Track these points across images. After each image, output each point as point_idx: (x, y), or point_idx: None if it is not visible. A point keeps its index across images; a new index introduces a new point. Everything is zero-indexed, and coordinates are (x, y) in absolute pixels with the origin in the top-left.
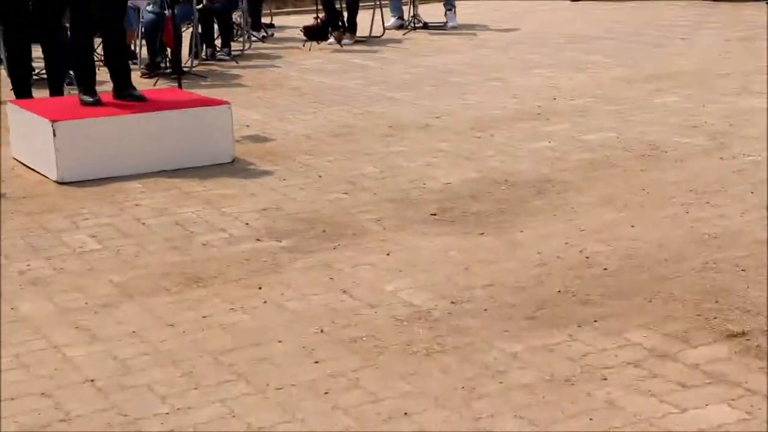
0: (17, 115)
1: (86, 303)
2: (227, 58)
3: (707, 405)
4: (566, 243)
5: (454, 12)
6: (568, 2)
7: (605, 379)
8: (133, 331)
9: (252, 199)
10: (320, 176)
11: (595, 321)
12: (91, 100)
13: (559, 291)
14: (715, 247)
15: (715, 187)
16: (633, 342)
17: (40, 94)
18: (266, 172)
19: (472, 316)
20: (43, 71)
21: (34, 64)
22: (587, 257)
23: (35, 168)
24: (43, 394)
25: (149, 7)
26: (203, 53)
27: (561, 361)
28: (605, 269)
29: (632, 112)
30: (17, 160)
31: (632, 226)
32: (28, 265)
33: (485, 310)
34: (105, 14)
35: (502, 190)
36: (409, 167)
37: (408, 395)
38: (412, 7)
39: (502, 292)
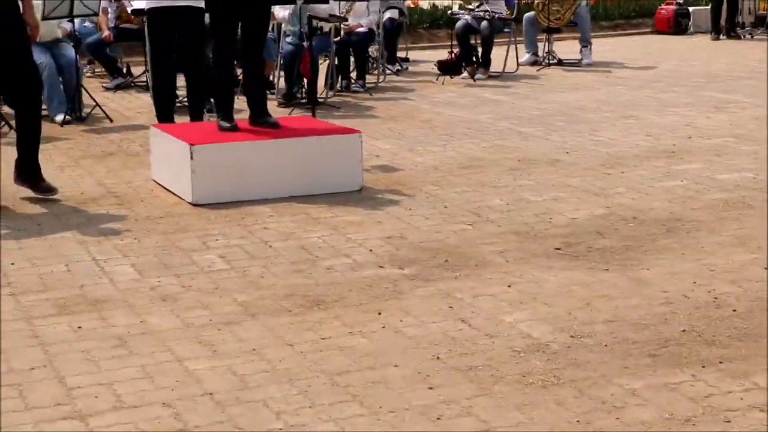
0: (158, 138)
1: (210, 320)
2: (361, 89)
3: None
4: (694, 282)
5: (590, 49)
6: (708, 41)
7: (728, 421)
8: (254, 349)
9: (377, 226)
10: (446, 207)
11: (720, 362)
12: (228, 125)
13: (684, 330)
14: None
15: None
16: (760, 386)
17: (181, 120)
18: (393, 201)
19: (591, 351)
20: (186, 99)
21: (177, 92)
22: (716, 298)
23: (172, 190)
24: (164, 404)
25: (288, 39)
26: (338, 84)
27: (682, 400)
28: (734, 310)
29: None
30: (156, 182)
31: (766, 269)
32: (159, 281)
33: (605, 345)
34: (246, 44)
35: (629, 227)
36: (536, 201)
37: (521, 425)
38: (547, 43)
39: (624, 329)
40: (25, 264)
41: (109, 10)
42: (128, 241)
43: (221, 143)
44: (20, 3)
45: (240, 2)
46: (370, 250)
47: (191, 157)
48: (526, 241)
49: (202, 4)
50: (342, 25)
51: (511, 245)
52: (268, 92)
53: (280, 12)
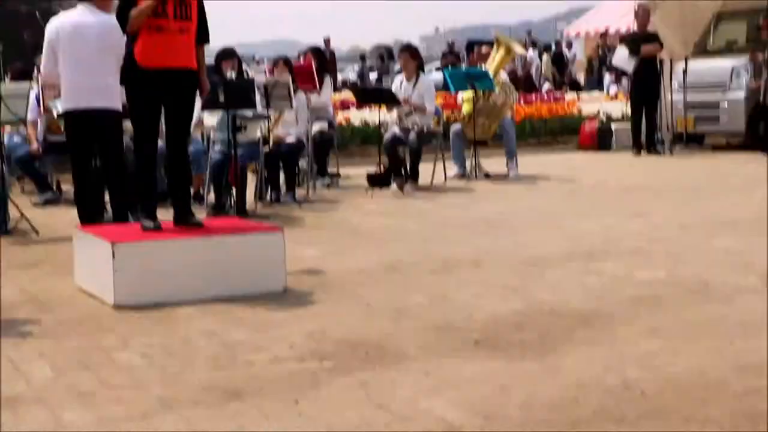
0: (81, 240)
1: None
2: (291, 201)
3: None
4: (606, 367)
5: (516, 162)
6: (631, 157)
7: None
8: None
9: (299, 323)
10: (368, 305)
11: None
12: (151, 225)
13: (594, 411)
14: (759, 374)
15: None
16: None
17: None
18: (316, 301)
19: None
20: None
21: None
22: (626, 381)
23: (94, 293)
24: None
25: (217, 147)
26: (268, 196)
27: None
28: (643, 392)
29: (686, 253)
30: (80, 287)
31: (675, 355)
32: (76, 379)
33: (518, 424)
34: (169, 144)
35: (546, 319)
36: (457, 298)
37: None
38: (474, 157)
39: (537, 411)
40: None
41: (38, 122)
42: (47, 342)
43: (143, 242)
44: None
45: (160, 101)
46: (291, 347)
47: (113, 256)
48: (446, 335)
49: (119, 107)
50: (271, 135)
51: (431, 339)
52: (198, 204)
53: (209, 120)
